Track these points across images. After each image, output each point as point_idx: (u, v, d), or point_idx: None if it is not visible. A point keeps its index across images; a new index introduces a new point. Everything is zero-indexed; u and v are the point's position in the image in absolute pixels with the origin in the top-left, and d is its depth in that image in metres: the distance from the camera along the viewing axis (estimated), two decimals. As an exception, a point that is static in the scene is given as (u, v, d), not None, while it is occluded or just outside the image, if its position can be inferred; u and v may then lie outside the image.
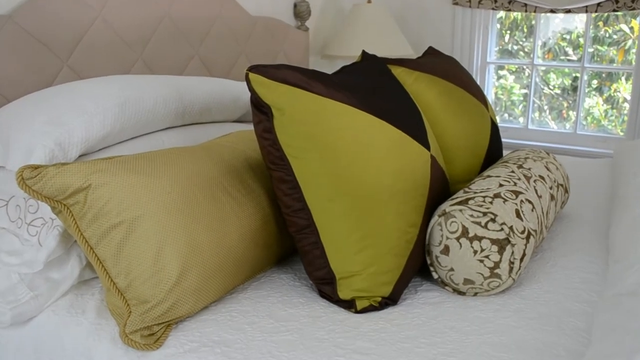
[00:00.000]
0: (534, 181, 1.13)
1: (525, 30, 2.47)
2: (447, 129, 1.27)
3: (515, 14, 2.45)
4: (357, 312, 0.93)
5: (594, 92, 2.37)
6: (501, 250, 0.93)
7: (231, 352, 0.82)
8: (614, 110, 2.37)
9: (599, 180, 1.62)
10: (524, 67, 2.52)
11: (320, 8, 2.39)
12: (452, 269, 0.96)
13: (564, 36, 2.39)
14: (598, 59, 2.33)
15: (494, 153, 1.40)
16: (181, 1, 1.61)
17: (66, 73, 1.35)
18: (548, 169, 1.23)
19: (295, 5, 2.18)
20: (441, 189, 1.08)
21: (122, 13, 1.45)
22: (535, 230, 1.01)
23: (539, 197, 1.09)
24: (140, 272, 0.85)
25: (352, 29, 2.23)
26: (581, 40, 2.37)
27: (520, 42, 2.50)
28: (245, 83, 1.55)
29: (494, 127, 1.42)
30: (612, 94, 2.35)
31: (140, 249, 0.85)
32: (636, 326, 0.69)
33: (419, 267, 1.03)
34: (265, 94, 0.92)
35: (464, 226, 0.95)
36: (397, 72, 1.30)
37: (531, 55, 2.47)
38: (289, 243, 1.10)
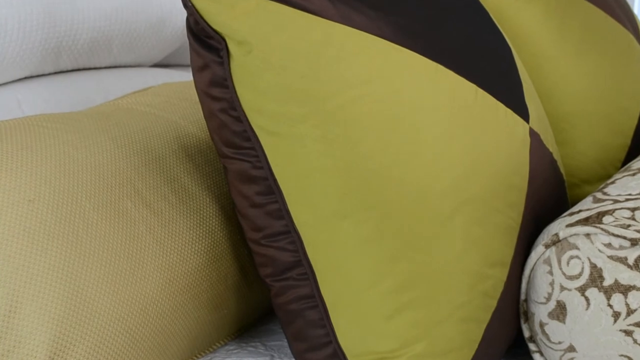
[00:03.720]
0: None
1: None
2: (562, 83, 1.29)
3: None
4: None
5: None
6: (666, 313, 0.94)
7: None
8: None
9: None
10: None
11: None
12: (572, 348, 0.98)
13: None
14: None
15: (651, 128, 1.43)
16: None
17: None
18: None
19: None
20: (550, 193, 1.10)
21: None
22: None
23: None
24: (-25, 354, 0.86)
25: None
26: None
27: None
28: (176, -7, 1.54)
29: (653, 79, 1.44)
30: None
31: (-25, 310, 0.86)
32: None
33: (510, 343, 1.03)
34: (214, 15, 0.92)
35: (594, 265, 0.96)
36: (467, -28, 1.31)
37: None
38: (259, 298, 1.11)
